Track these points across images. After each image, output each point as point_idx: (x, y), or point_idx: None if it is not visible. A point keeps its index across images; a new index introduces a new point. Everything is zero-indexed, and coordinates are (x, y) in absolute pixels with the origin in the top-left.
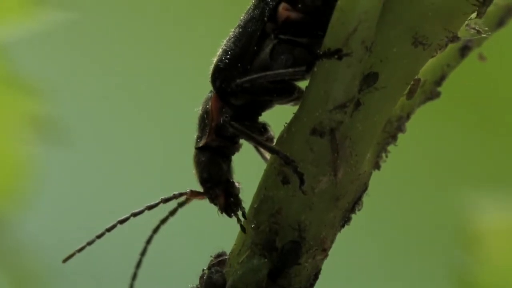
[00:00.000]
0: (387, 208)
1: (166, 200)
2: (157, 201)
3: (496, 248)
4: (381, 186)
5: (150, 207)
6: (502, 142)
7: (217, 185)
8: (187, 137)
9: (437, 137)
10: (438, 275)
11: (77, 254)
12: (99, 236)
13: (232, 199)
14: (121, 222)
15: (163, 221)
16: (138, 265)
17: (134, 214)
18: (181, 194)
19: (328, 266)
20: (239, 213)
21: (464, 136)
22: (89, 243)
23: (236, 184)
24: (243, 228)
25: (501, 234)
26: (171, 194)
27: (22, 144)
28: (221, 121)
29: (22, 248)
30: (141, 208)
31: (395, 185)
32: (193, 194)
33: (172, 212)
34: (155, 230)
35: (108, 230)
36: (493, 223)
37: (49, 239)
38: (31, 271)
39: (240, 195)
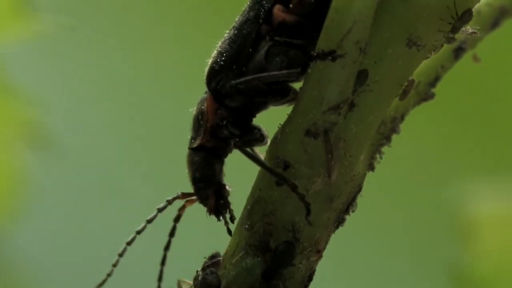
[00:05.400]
0: (381, 201)
1: (162, 209)
2: (154, 213)
3: (491, 238)
4: (374, 177)
5: (150, 221)
6: (493, 131)
7: (209, 186)
8: (182, 146)
9: (430, 128)
10: (434, 267)
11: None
12: (115, 265)
13: (221, 201)
14: (129, 243)
15: (168, 245)
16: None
17: (138, 232)
18: (174, 199)
19: (322, 268)
20: (227, 216)
21: (456, 126)
22: (109, 274)
23: (227, 187)
24: (229, 232)
25: (496, 224)
26: (165, 202)
27: (14, 154)
28: (232, 145)
29: (13, 261)
30: (143, 224)
31: (389, 177)
32: (185, 196)
33: (172, 233)
34: (163, 262)
35: (121, 255)
36: (487, 212)
37: (40, 252)
38: (23, 284)
39: (230, 198)
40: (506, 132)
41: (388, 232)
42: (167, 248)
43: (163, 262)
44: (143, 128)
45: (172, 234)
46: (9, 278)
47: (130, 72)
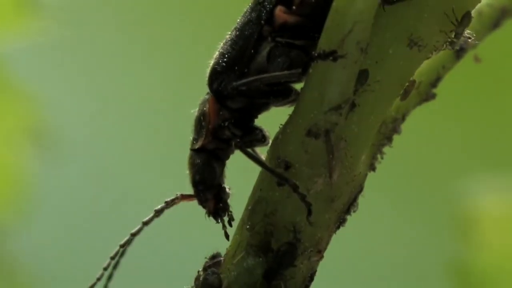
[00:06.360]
0: (382, 198)
1: (159, 211)
2: (151, 215)
3: (492, 233)
4: (376, 175)
5: (146, 223)
6: (496, 127)
7: (209, 188)
8: (184, 148)
9: (432, 123)
10: (435, 262)
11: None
12: (106, 268)
13: (221, 204)
14: (123, 245)
15: (146, 223)
16: (106, 268)
17: (133, 234)
18: (172, 201)
19: (323, 268)
20: (226, 218)
21: (458, 122)
22: (99, 279)
23: (227, 189)
24: (227, 236)
25: (497, 219)
26: (163, 203)
27: (17, 155)
28: (233, 145)
29: (16, 260)
30: (138, 226)
31: (391, 173)
32: (184, 197)
33: (158, 213)
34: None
35: (112, 257)
36: (488, 208)
37: (44, 251)
38: (26, 284)
39: (231, 199)
40: (508, 128)
41: (389, 229)
42: (124, 249)
43: (113, 257)
44: (146, 129)
45: (147, 223)
46: (12, 277)
47: (133, 72)
